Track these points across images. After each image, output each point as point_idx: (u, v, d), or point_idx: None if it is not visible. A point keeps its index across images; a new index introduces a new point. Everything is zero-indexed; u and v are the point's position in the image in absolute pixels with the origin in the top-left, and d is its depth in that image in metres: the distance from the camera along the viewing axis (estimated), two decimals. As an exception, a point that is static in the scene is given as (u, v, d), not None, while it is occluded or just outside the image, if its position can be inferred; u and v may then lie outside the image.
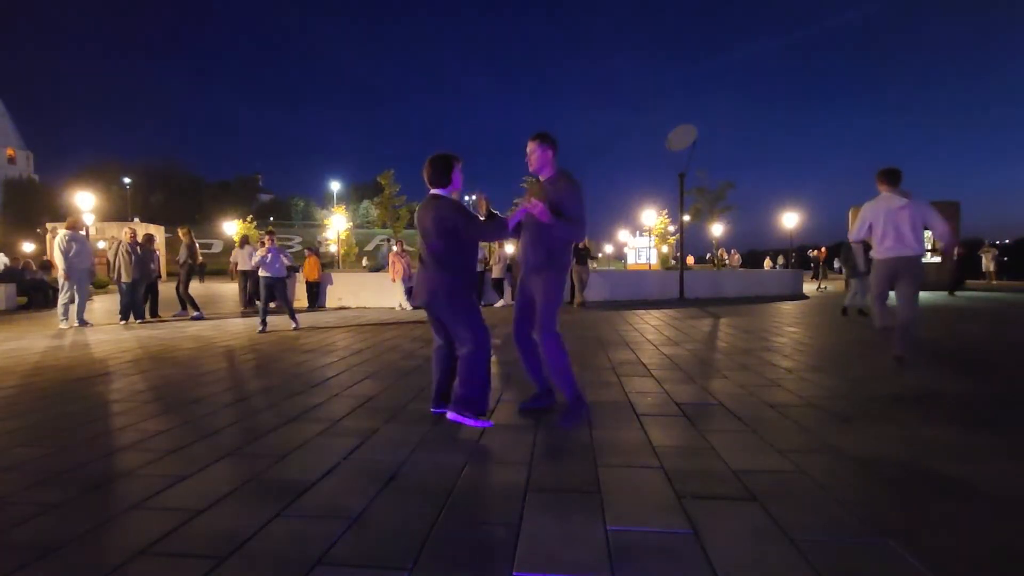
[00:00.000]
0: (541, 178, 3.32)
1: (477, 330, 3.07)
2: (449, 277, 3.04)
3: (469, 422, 3.06)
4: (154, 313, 10.23)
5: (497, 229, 3.16)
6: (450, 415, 3.11)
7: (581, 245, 11.94)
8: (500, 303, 12.34)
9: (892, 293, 4.99)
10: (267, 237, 8.08)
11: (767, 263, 25.80)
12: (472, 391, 3.05)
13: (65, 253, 8.64)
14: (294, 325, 8.14)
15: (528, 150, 3.29)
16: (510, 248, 12.35)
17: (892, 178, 4.87)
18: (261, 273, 7.93)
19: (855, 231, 5.09)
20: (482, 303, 12.26)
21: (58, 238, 8.79)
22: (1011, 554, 1.75)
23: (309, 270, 12.34)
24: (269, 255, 7.85)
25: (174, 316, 10.18)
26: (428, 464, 2.57)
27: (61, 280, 8.77)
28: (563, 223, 3.09)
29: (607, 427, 3.11)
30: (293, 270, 13.84)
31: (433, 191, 3.13)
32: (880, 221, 4.81)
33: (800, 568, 1.67)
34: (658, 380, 4.34)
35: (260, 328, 7.79)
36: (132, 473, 2.49)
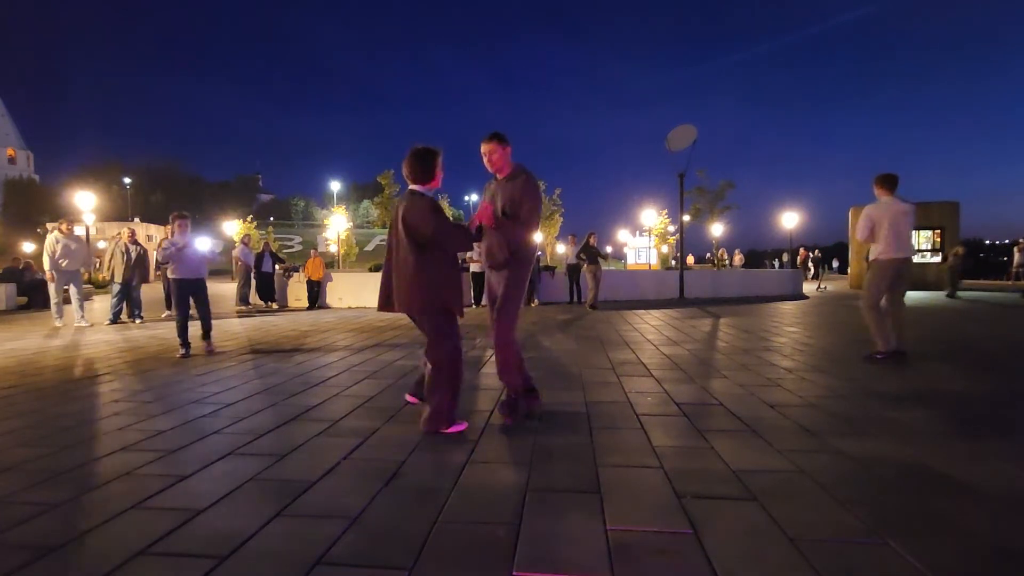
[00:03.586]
0: (499, 176, 3.30)
1: (445, 340, 2.97)
2: (425, 281, 2.89)
3: (444, 430, 2.99)
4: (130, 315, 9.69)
5: (463, 239, 3.04)
6: (424, 428, 3.01)
7: (592, 242, 11.81)
8: None
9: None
10: (178, 223, 5.91)
11: (803, 256, 24.30)
12: (440, 402, 2.97)
13: (55, 255, 8.85)
14: (207, 347, 6.00)
15: (486, 151, 3.21)
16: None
17: (892, 183, 5.11)
18: (172, 275, 5.87)
19: (863, 232, 5.15)
20: (477, 303, 12.21)
21: (49, 239, 9.01)
22: (1011, 554, 1.75)
23: (313, 269, 12.37)
24: (186, 247, 5.83)
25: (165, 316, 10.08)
26: (428, 464, 2.57)
27: (53, 280, 8.97)
28: (514, 224, 3.09)
29: (607, 427, 3.11)
30: (292, 270, 13.84)
31: (413, 186, 2.96)
32: (885, 224, 5.01)
33: (800, 568, 1.66)
34: (658, 380, 4.34)
35: (182, 352, 5.73)
36: (132, 473, 2.49)
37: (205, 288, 6.09)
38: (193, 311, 5.99)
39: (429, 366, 3.05)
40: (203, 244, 6.17)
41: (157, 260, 6.18)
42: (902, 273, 5.05)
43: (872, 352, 5.10)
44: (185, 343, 5.80)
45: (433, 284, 2.91)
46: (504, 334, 3.20)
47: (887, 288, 5.11)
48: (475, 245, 3.43)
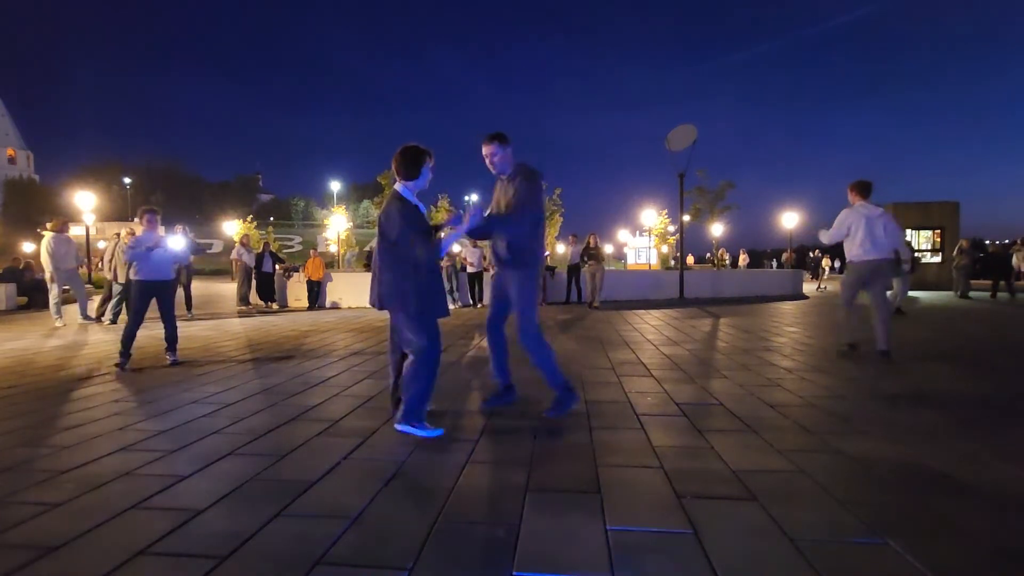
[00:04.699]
0: (502, 177, 3.31)
1: (422, 337, 2.96)
2: (400, 279, 2.92)
3: (417, 433, 2.95)
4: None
5: (426, 250, 2.88)
6: (397, 426, 3.02)
7: (592, 244, 11.80)
8: None
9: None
10: (146, 217, 5.14)
11: (826, 262, 24.25)
12: (413, 400, 2.97)
13: (51, 255, 8.90)
14: (170, 358, 5.24)
15: (487, 152, 3.22)
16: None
17: (866, 190, 5.43)
18: (134, 275, 5.11)
19: (834, 234, 5.48)
20: (476, 303, 12.20)
21: (44, 240, 9.06)
22: (1011, 554, 1.75)
23: (313, 269, 12.36)
24: (157, 246, 5.08)
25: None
26: (428, 464, 2.57)
27: (48, 281, 9.06)
28: (513, 224, 3.13)
29: (607, 427, 3.11)
30: (292, 270, 13.82)
31: (397, 185, 3.03)
32: (860, 227, 5.29)
33: (800, 568, 1.67)
34: (658, 380, 4.34)
35: (120, 360, 4.93)
36: (132, 473, 2.49)
37: (173, 292, 5.44)
38: (153, 314, 5.27)
39: (406, 361, 3.04)
40: (177, 243, 5.43)
41: (124, 259, 5.33)
42: (877, 273, 5.30)
43: (838, 347, 5.52)
44: (127, 353, 4.96)
45: (399, 281, 2.94)
46: (527, 335, 3.22)
47: (861, 287, 5.40)
48: (469, 244, 3.47)
